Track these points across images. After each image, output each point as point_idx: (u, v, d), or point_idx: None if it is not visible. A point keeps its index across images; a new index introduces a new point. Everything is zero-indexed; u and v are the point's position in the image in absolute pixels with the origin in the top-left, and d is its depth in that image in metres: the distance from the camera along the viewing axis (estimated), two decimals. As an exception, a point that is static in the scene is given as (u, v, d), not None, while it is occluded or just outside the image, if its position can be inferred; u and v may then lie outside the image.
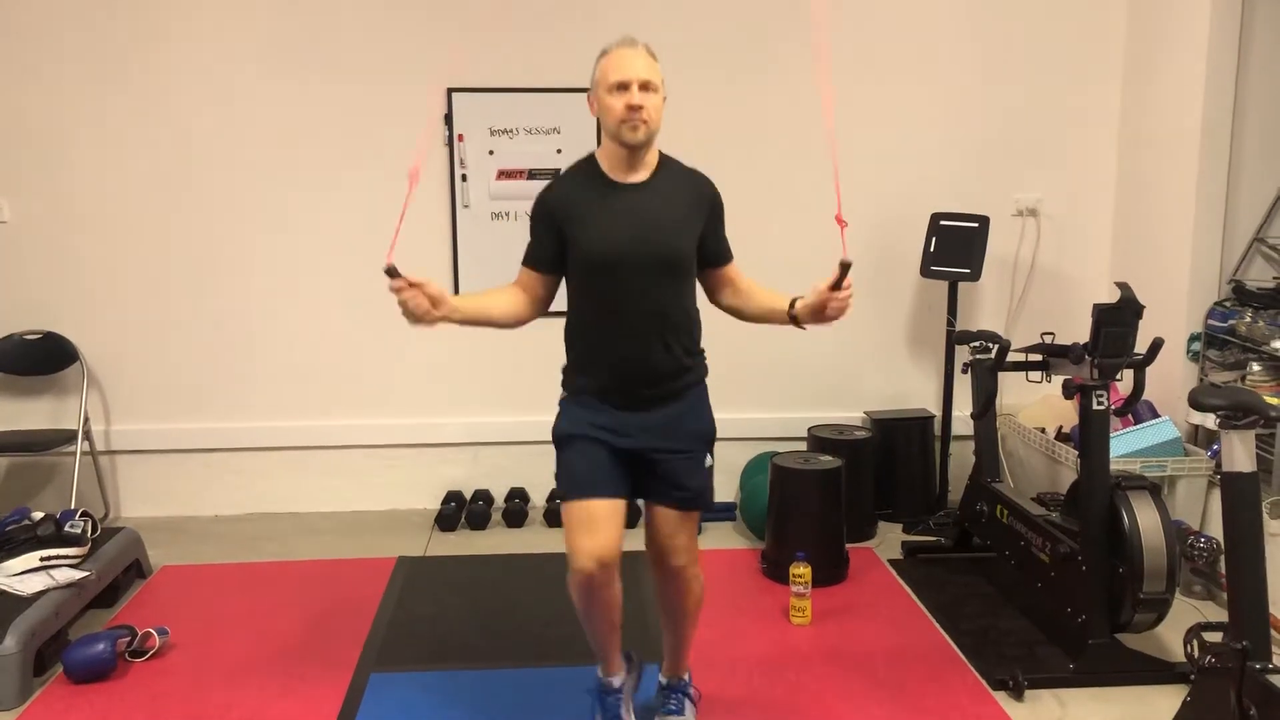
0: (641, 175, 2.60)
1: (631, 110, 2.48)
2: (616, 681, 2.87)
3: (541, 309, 2.72)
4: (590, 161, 2.64)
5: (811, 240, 4.65)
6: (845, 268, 2.47)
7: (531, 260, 2.68)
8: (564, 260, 2.63)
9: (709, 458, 2.73)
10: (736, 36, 4.57)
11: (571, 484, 2.62)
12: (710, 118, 4.54)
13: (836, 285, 2.49)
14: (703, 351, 2.75)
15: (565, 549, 2.61)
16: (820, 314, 2.55)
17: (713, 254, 2.71)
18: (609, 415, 2.63)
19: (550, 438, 2.71)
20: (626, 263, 2.55)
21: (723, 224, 2.73)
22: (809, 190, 4.66)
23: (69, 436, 4.48)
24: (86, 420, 4.56)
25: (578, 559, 2.56)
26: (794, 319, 2.62)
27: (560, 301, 2.72)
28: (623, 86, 2.48)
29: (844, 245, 2.47)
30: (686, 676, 2.97)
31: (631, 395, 2.62)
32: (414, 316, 2.45)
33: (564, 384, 2.73)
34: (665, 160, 2.65)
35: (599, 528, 2.56)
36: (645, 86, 2.49)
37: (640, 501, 2.76)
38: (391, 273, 2.42)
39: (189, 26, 4.44)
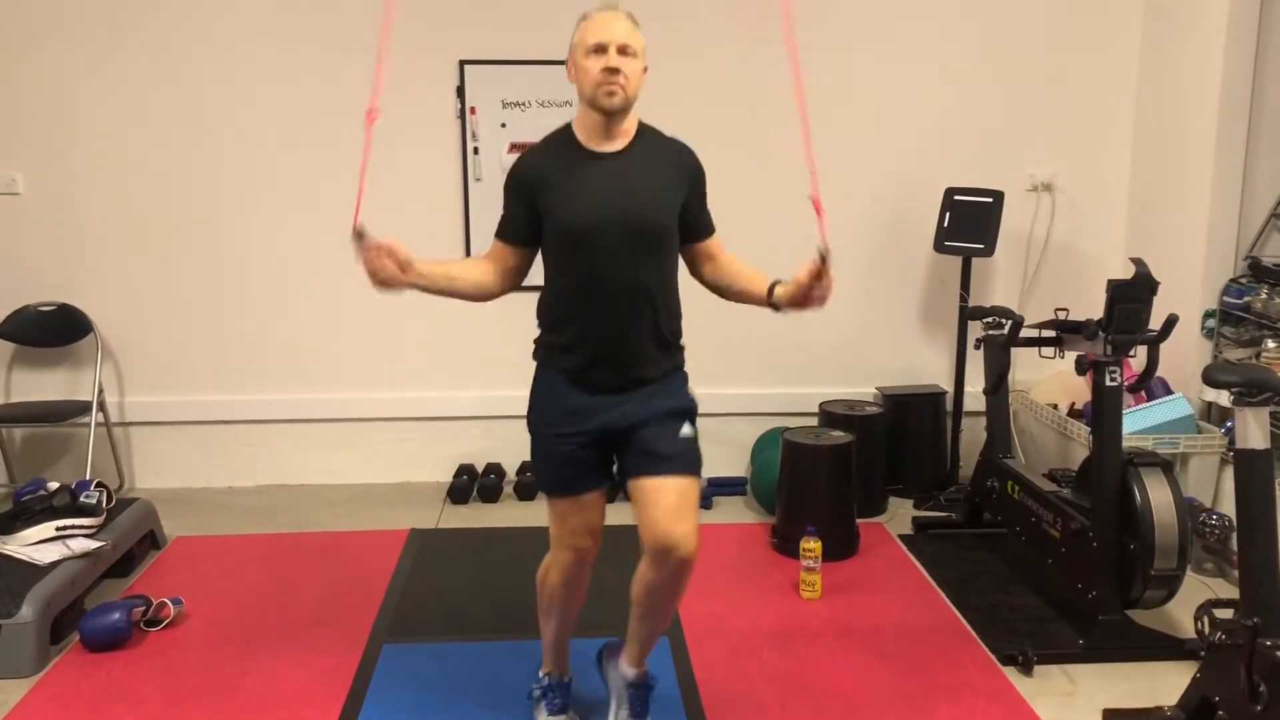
0: (619, 144, 2.47)
1: (608, 73, 2.37)
2: (567, 677, 2.85)
3: (512, 283, 2.60)
4: (566, 131, 2.53)
5: (803, 217, 4.64)
6: (823, 257, 2.34)
7: (502, 232, 2.57)
8: (538, 234, 2.52)
9: (688, 426, 2.55)
10: (741, 11, 4.53)
11: (551, 484, 2.62)
12: (705, 89, 4.52)
13: (817, 275, 2.37)
14: (682, 343, 2.62)
15: (551, 535, 2.63)
16: (802, 304, 2.44)
17: (694, 227, 2.58)
18: (580, 398, 2.52)
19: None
20: (602, 235, 2.42)
21: (704, 195, 2.61)
22: (818, 161, 4.64)
23: (83, 408, 4.51)
24: (101, 392, 4.58)
25: (570, 536, 2.59)
26: (773, 304, 2.51)
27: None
28: (600, 49, 2.38)
29: (822, 232, 2.35)
30: (646, 669, 2.75)
31: (606, 377, 2.50)
32: (381, 282, 2.41)
33: (536, 355, 2.61)
34: (644, 129, 2.54)
35: (589, 507, 2.59)
36: (624, 50, 2.38)
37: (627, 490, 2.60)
38: (360, 234, 2.37)
39: (206, 2, 4.42)
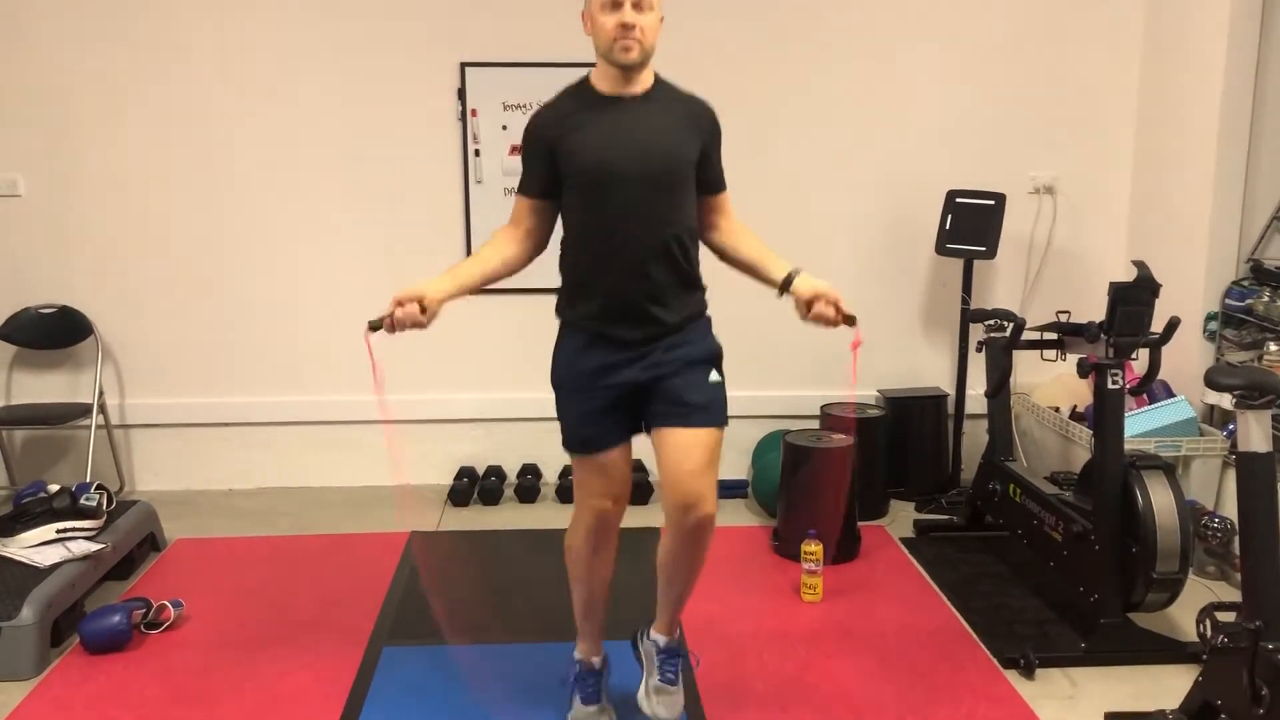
0: (637, 90, 2.50)
1: (624, 29, 2.38)
2: (598, 663, 2.83)
3: (538, 243, 2.62)
4: (583, 82, 2.56)
5: (814, 222, 4.66)
6: (851, 320, 2.52)
7: (524, 188, 2.58)
8: (558, 185, 2.53)
9: (716, 373, 2.58)
10: (751, 9, 4.53)
11: (576, 439, 2.60)
12: (723, 87, 4.51)
13: (841, 315, 2.51)
14: (702, 282, 2.62)
15: (575, 495, 2.65)
16: (812, 301, 2.51)
17: (708, 179, 2.60)
18: (602, 357, 2.53)
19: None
20: (622, 175, 2.45)
21: (719, 150, 2.63)
22: (817, 167, 4.65)
23: (84, 410, 4.51)
24: (101, 394, 4.58)
25: (592, 498, 2.59)
26: (785, 286, 2.54)
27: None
28: (616, 4, 2.38)
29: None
30: (679, 634, 2.83)
31: (631, 323, 2.50)
32: (416, 325, 2.48)
33: (559, 309, 2.64)
34: (661, 81, 2.56)
35: (612, 471, 2.59)
36: (639, 5, 2.38)
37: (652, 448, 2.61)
38: (374, 326, 2.49)
39: (206, 5, 4.43)
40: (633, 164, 2.46)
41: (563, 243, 2.62)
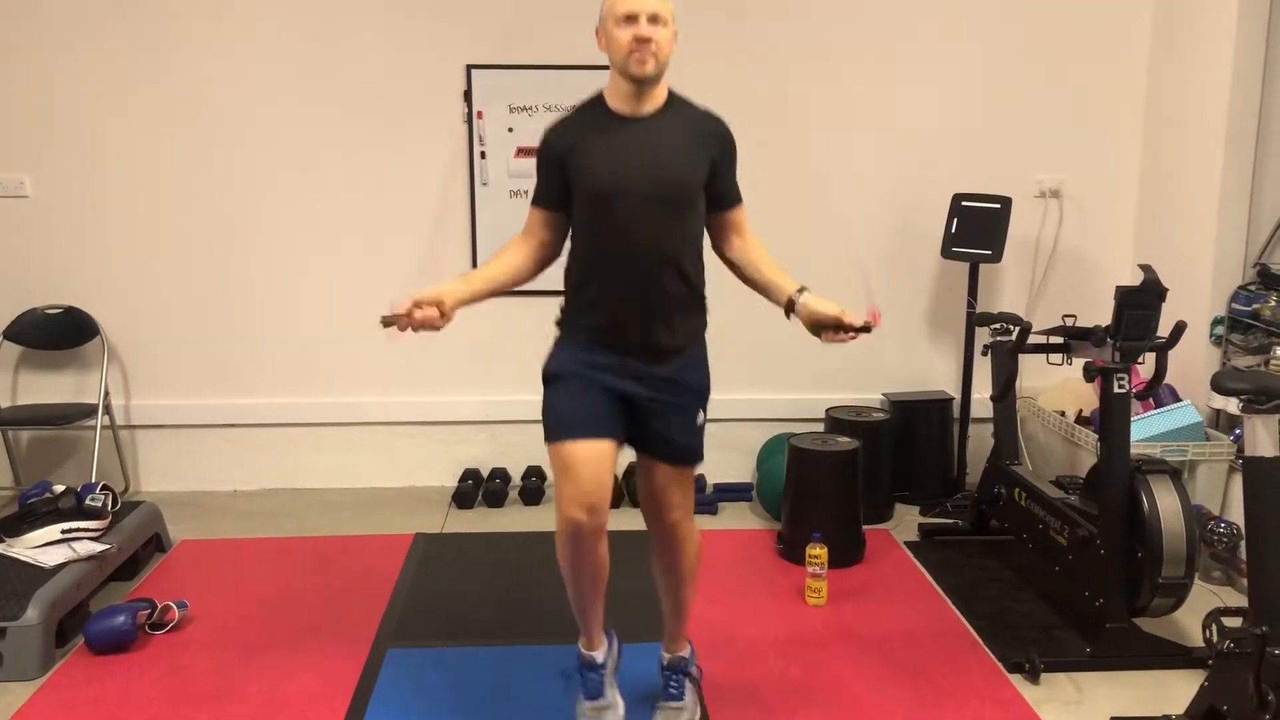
0: (649, 109, 2.53)
1: (639, 42, 2.41)
2: (599, 656, 2.81)
3: (550, 254, 2.66)
4: (597, 98, 2.58)
5: (821, 224, 4.65)
6: (868, 328, 2.53)
7: (537, 198, 2.62)
8: (569, 197, 2.56)
9: (702, 414, 2.66)
10: (755, 13, 4.54)
11: (556, 423, 2.53)
12: (728, 91, 4.51)
13: (853, 328, 2.53)
14: (706, 303, 2.66)
15: (555, 498, 2.57)
16: (820, 325, 2.55)
17: (720, 195, 2.62)
18: (605, 357, 2.56)
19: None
20: (631, 195, 2.48)
21: (733, 165, 2.64)
22: (824, 171, 4.65)
23: (89, 411, 4.51)
24: (107, 395, 4.59)
25: (565, 506, 2.48)
26: (789, 308, 2.58)
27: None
28: (631, 18, 2.42)
29: (876, 312, 2.58)
30: (687, 653, 2.89)
31: (632, 340, 2.54)
32: (432, 328, 2.48)
33: (559, 322, 2.66)
34: (675, 97, 2.58)
35: (586, 472, 2.47)
36: (654, 19, 2.42)
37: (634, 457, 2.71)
38: (388, 321, 2.46)
39: (214, 6, 4.44)
40: (640, 184, 2.49)
41: (569, 257, 2.64)
